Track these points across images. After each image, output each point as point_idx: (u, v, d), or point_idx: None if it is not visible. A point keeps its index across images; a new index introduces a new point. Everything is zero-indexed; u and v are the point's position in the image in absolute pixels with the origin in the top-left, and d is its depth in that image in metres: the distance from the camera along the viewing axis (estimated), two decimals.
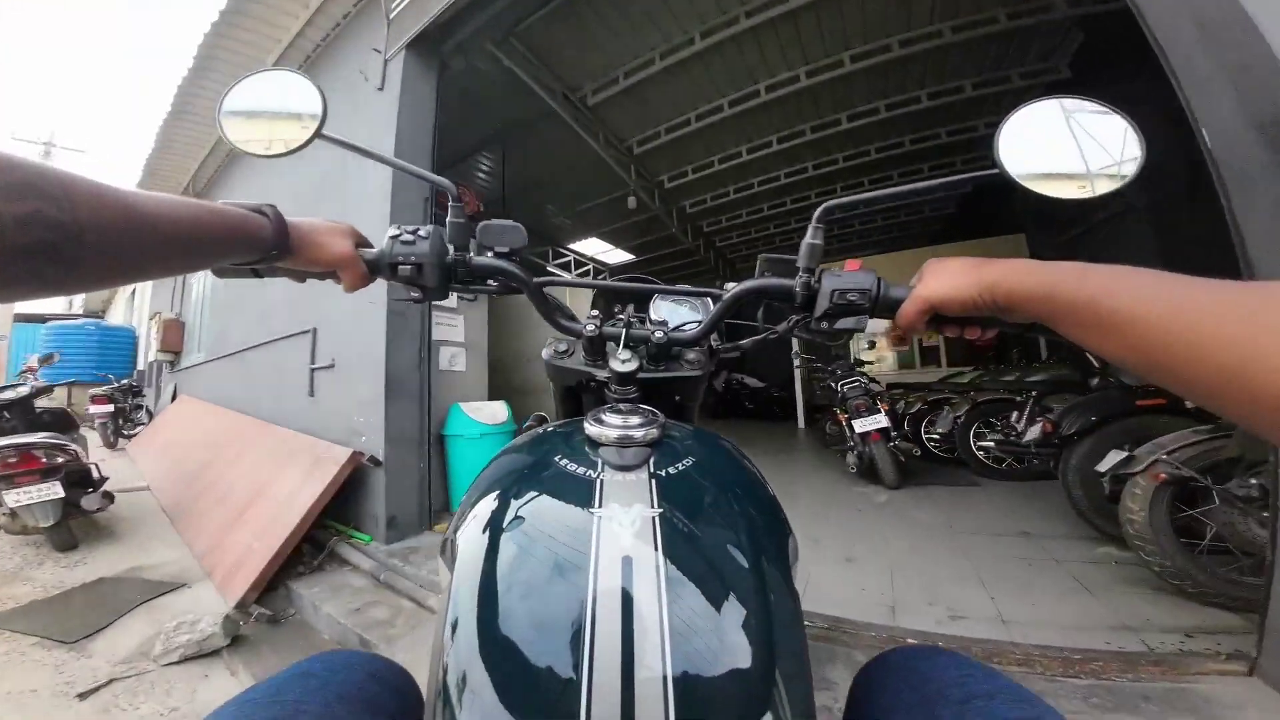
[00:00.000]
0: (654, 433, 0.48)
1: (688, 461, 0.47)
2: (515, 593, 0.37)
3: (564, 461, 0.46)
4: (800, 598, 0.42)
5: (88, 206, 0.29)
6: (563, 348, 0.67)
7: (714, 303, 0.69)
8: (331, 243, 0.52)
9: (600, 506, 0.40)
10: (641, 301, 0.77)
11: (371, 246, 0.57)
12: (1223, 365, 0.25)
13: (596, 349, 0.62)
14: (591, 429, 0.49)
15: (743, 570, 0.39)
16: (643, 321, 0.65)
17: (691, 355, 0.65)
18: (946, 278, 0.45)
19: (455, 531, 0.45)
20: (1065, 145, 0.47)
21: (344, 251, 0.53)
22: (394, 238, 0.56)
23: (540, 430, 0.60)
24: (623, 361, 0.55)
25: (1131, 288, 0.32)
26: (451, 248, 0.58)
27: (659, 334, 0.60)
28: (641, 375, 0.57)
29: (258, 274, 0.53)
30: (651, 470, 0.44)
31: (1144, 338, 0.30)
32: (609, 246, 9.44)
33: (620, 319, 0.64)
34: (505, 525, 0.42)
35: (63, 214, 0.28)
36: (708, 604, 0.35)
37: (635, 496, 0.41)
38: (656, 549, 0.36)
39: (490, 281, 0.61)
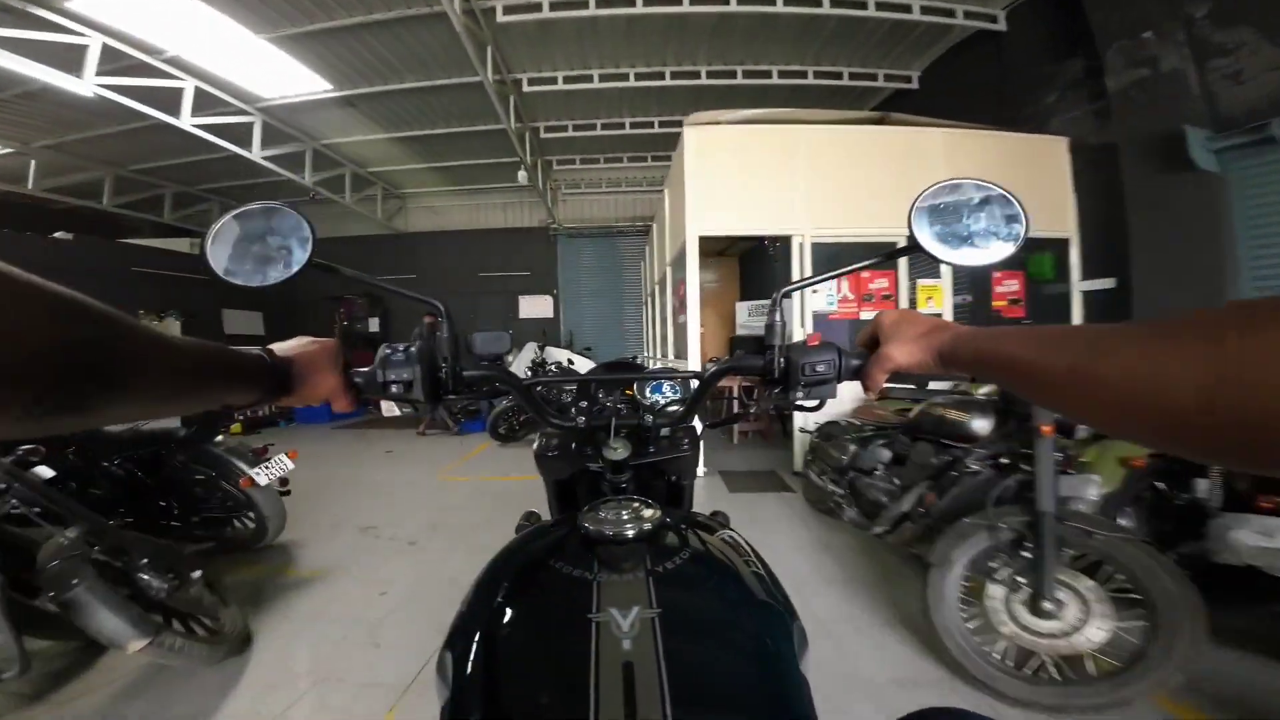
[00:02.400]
0: (649, 527, 0.49)
1: (685, 555, 0.48)
2: (518, 711, 0.36)
3: (559, 564, 0.47)
4: (811, 684, 0.41)
5: (128, 334, 0.29)
6: (555, 443, 0.74)
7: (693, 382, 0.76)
8: (323, 377, 0.52)
9: (598, 610, 0.40)
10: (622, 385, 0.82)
11: (357, 366, 0.57)
12: (1163, 415, 0.24)
13: (588, 440, 0.69)
14: (586, 526, 0.50)
15: (749, 667, 0.40)
16: (633, 406, 0.74)
17: (681, 435, 0.72)
18: (905, 344, 0.49)
19: (450, 648, 0.43)
20: (965, 220, 0.51)
21: (335, 383, 0.53)
22: (385, 358, 0.55)
23: (534, 529, 0.62)
24: (615, 450, 0.60)
25: (1044, 341, 0.33)
26: (444, 360, 0.57)
27: (647, 418, 0.66)
28: (634, 462, 0.63)
29: (232, 410, 0.53)
30: (649, 567, 0.45)
31: (1065, 390, 0.30)
32: (267, 46, 4.17)
33: (606, 406, 0.72)
34: (503, 638, 0.41)
35: (106, 338, 0.28)
36: (714, 709, 0.36)
37: (633, 597, 0.41)
38: (658, 652, 0.36)
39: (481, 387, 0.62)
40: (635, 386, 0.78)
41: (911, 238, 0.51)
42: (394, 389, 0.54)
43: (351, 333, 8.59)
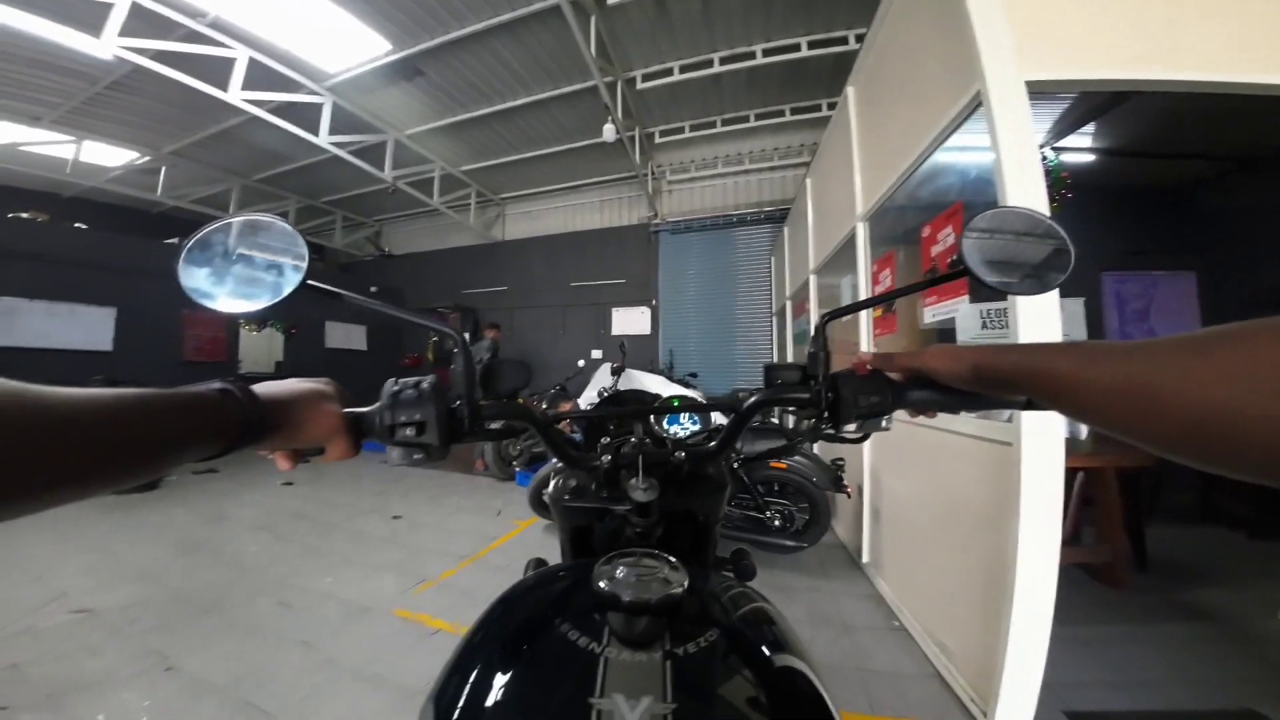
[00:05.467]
0: (673, 593, 0.41)
1: (712, 634, 0.41)
2: None
3: (565, 626, 0.41)
4: None
5: (8, 407, 0.23)
6: (572, 483, 0.67)
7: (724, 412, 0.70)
8: (315, 415, 0.43)
9: (601, 695, 0.34)
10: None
11: (356, 405, 0.48)
12: (1187, 419, 0.26)
13: (610, 481, 0.60)
14: (600, 583, 0.42)
15: None
16: (659, 443, 0.67)
17: (710, 470, 0.65)
18: (944, 354, 0.48)
19: (436, 701, 0.39)
20: (1014, 248, 0.53)
21: (332, 423, 0.44)
22: (395, 394, 0.48)
23: (543, 573, 0.57)
24: (642, 490, 0.53)
25: (1079, 354, 0.33)
26: (459, 398, 0.50)
27: (678, 454, 0.60)
28: (662, 503, 0.55)
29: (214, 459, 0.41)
30: (667, 647, 0.39)
31: (1095, 399, 0.31)
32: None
33: (631, 442, 0.63)
34: (491, 707, 0.36)
35: None
36: None
37: (645, 685, 0.35)
38: None
39: (495, 426, 0.54)
40: (653, 418, 0.73)
41: (961, 261, 0.52)
42: (404, 432, 0.46)
43: (444, 349, 8.09)
